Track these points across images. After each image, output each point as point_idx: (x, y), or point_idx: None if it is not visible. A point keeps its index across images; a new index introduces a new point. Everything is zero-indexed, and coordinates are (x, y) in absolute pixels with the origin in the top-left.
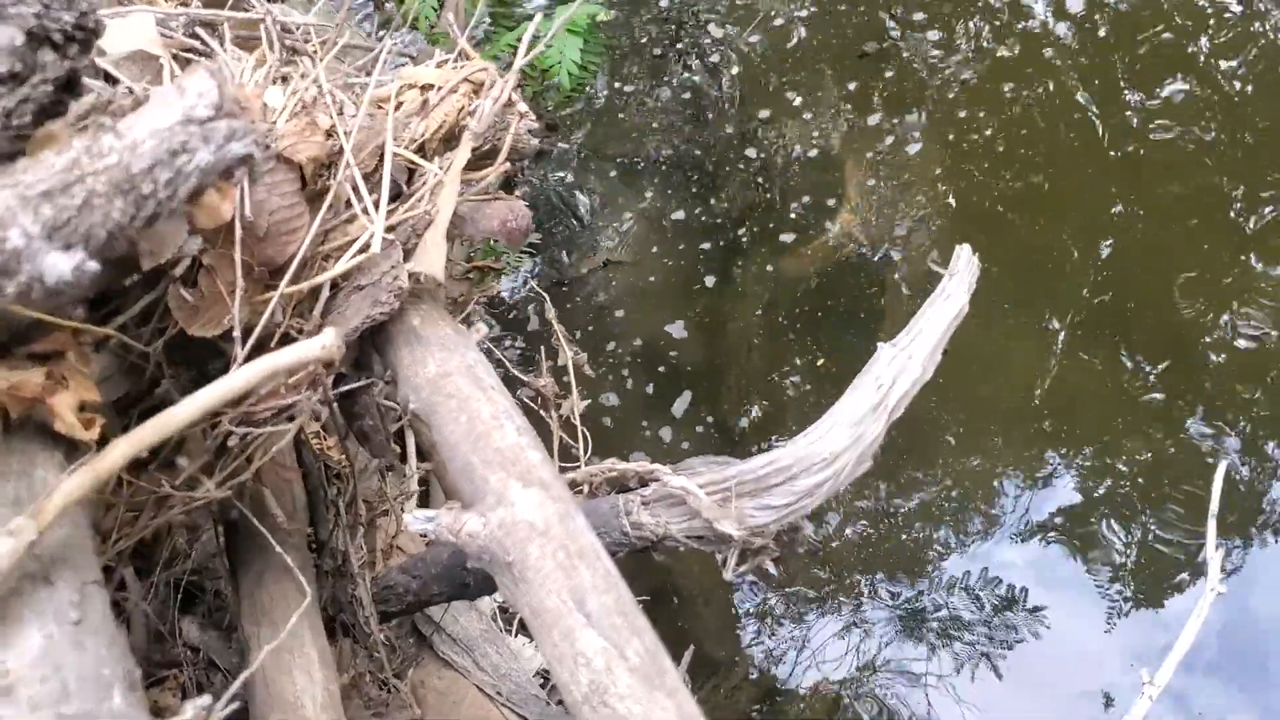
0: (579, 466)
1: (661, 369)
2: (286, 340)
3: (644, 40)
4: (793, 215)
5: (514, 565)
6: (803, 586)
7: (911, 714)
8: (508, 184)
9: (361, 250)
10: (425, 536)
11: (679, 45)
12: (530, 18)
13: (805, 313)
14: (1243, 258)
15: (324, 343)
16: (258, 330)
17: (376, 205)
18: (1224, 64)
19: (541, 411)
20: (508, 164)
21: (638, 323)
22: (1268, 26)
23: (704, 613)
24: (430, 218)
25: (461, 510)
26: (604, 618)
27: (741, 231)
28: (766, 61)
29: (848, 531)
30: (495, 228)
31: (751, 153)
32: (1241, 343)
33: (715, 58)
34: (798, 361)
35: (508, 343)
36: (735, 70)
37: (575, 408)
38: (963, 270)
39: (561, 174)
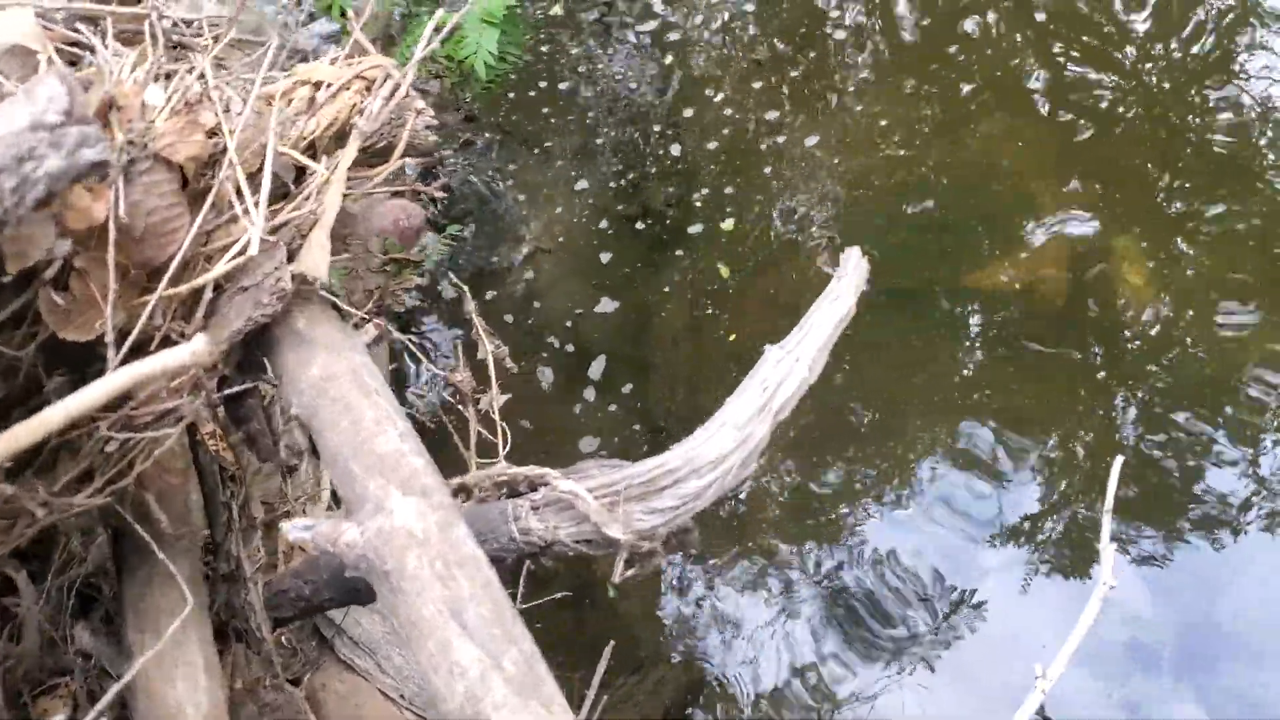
0: (496, 463)
1: (589, 352)
2: (168, 343)
3: (574, 32)
4: (702, 206)
5: (391, 575)
6: (731, 577)
7: (840, 700)
8: (428, 175)
9: (240, 253)
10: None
11: (609, 45)
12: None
13: (726, 299)
14: (1151, 244)
15: (194, 348)
16: (134, 334)
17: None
18: (1133, 52)
19: (460, 406)
20: (402, 161)
21: (565, 309)
22: None
23: (628, 607)
24: (316, 217)
25: (342, 518)
26: (481, 628)
27: (668, 221)
28: (693, 56)
29: (775, 521)
30: (388, 226)
31: (676, 149)
32: (1155, 330)
33: (645, 51)
34: (718, 347)
35: (430, 335)
36: (667, 60)
37: (495, 402)
38: (851, 272)
39: (487, 164)
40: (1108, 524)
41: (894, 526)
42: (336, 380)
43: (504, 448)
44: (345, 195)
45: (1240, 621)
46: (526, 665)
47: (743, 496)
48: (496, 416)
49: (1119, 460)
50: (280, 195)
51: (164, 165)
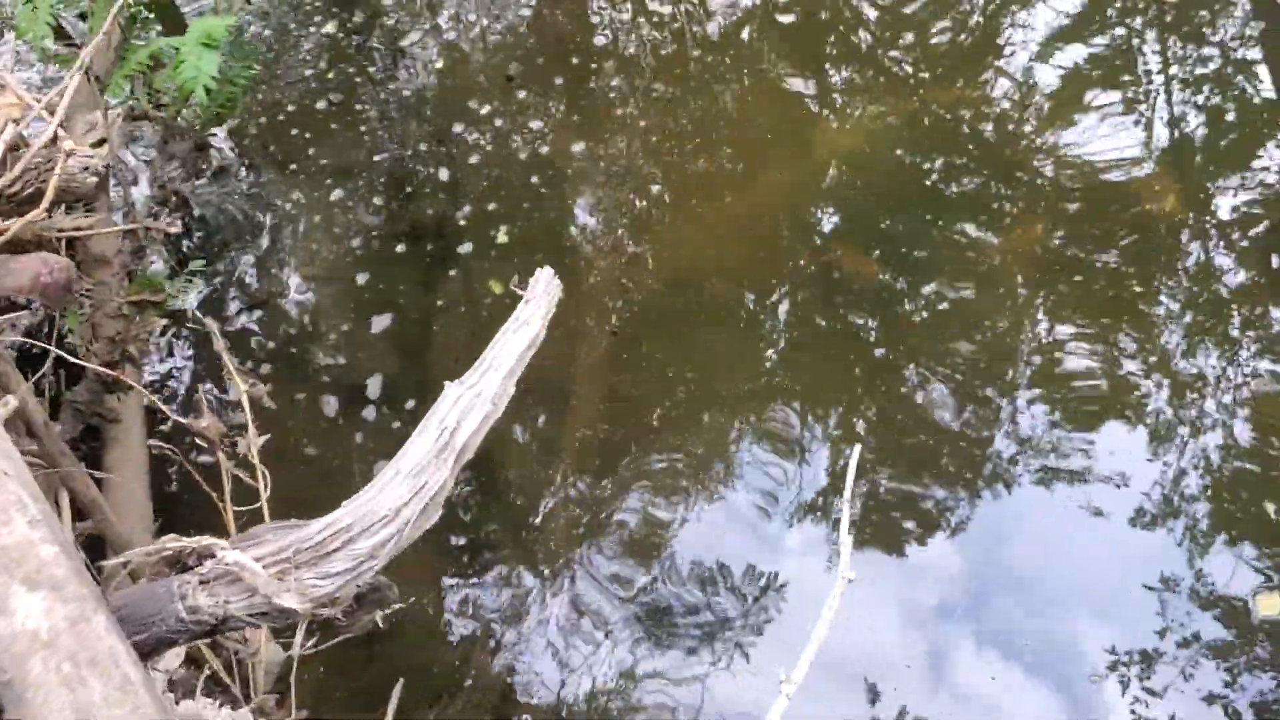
0: (260, 514)
1: (365, 374)
2: None
3: (337, 51)
4: (468, 223)
5: (13, 684)
6: (529, 592)
7: (655, 698)
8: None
9: None
10: None
11: (372, 63)
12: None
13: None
14: (937, 222)
15: None
16: None
17: None
18: (886, 41)
19: (218, 453)
20: (43, 211)
21: (336, 333)
22: None
23: (420, 637)
24: None
25: None
26: None
27: (433, 242)
28: (457, 71)
29: (571, 527)
30: (25, 284)
31: (442, 165)
32: (930, 305)
33: (408, 67)
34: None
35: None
36: (430, 75)
37: (253, 445)
38: (540, 296)
39: (242, 192)
40: (847, 514)
41: (695, 520)
42: None
43: (265, 491)
44: None
45: (1021, 565)
46: None
47: (537, 506)
48: (255, 459)
49: (856, 449)
50: None
51: None
